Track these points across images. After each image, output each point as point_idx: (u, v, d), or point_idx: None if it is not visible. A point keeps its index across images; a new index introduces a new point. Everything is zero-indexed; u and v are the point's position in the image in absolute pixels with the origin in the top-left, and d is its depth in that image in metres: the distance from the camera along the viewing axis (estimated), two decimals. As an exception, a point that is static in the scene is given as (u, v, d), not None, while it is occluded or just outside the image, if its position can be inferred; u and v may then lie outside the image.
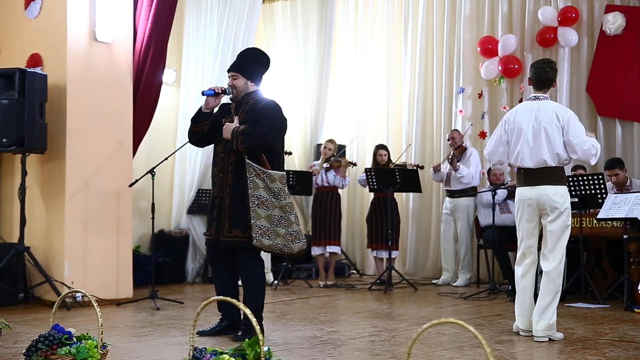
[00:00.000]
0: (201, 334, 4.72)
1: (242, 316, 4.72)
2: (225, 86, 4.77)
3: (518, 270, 4.79)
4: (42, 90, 6.24)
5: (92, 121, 6.55)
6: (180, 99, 9.05)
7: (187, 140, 4.98)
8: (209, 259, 4.85)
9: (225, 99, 4.88)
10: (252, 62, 4.80)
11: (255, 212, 4.43)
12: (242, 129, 4.52)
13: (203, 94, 4.70)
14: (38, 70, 6.39)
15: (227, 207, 4.56)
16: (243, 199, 4.50)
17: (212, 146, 4.93)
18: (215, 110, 4.84)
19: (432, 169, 8.56)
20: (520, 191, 4.74)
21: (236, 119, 4.64)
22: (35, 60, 6.58)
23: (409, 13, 9.76)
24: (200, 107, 4.77)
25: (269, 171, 4.50)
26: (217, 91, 4.67)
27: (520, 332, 4.73)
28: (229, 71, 4.81)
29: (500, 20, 8.93)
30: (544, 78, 4.74)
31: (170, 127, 8.94)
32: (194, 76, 8.93)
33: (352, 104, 10.30)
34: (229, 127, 4.57)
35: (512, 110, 4.92)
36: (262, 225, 4.43)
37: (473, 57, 9.10)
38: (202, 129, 4.76)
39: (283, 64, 10.21)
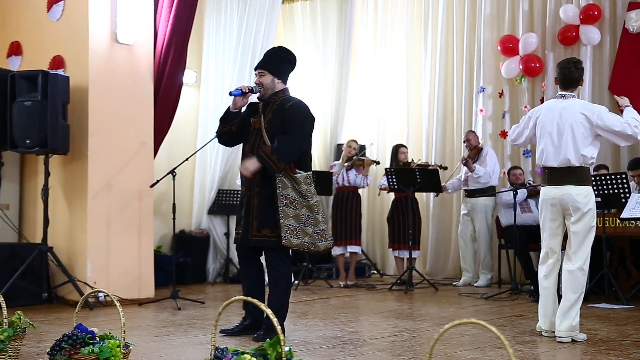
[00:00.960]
0: (224, 332, 4.73)
1: (264, 315, 4.72)
2: (252, 85, 4.74)
3: (541, 271, 4.75)
4: (64, 92, 6.30)
5: (114, 122, 6.60)
6: (200, 100, 9.09)
7: (216, 140, 4.95)
8: (238, 257, 4.88)
9: (253, 98, 4.85)
10: (279, 60, 4.80)
11: (284, 211, 4.46)
12: (269, 150, 4.48)
13: (230, 94, 4.69)
14: (60, 72, 6.45)
15: (256, 206, 4.57)
16: (272, 198, 4.51)
17: (231, 148, 4.96)
18: (243, 109, 4.84)
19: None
20: (544, 190, 4.70)
21: (262, 118, 4.63)
22: (57, 62, 6.65)
23: (429, 12, 9.72)
24: (229, 107, 4.75)
25: (295, 176, 4.52)
26: (244, 90, 4.65)
27: (543, 333, 4.70)
28: (256, 69, 4.79)
29: (521, 18, 8.87)
30: (569, 78, 4.70)
31: (190, 128, 8.99)
32: (214, 77, 8.97)
33: (372, 104, 10.29)
34: (250, 163, 4.50)
35: (537, 108, 4.89)
36: (290, 225, 4.46)
37: (493, 56, 9.05)
38: (231, 128, 4.75)
39: (303, 65, 10.19)
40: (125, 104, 6.70)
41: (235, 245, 4.84)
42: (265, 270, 4.77)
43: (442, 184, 8.33)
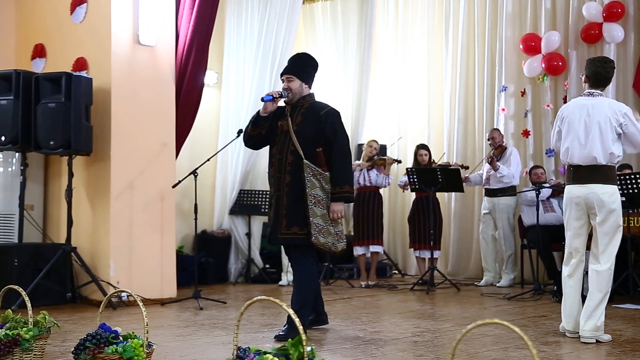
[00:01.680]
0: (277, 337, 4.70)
1: (323, 309, 4.97)
2: (281, 90, 4.90)
3: (565, 270, 4.70)
4: (87, 94, 6.36)
5: (136, 123, 6.65)
6: (221, 101, 9.13)
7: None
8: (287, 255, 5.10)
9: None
10: (305, 65, 4.95)
11: (312, 210, 4.62)
12: (340, 187, 4.68)
13: (262, 100, 4.82)
14: (83, 74, 6.51)
15: (285, 205, 4.71)
16: (301, 197, 4.66)
17: (259, 149, 5.11)
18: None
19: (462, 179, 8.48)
20: (568, 189, 4.64)
21: (290, 121, 4.77)
22: (80, 64, 6.71)
23: (450, 11, 9.67)
24: (258, 111, 4.87)
25: (326, 173, 4.69)
26: (274, 96, 4.80)
27: (567, 334, 4.65)
28: (282, 74, 4.94)
29: (543, 16, 8.79)
30: (604, 77, 4.67)
31: (212, 129, 9.03)
32: (235, 78, 9.00)
33: (393, 103, 10.25)
34: (337, 208, 4.71)
35: (565, 105, 4.85)
36: (318, 223, 4.62)
37: (515, 54, 8.98)
38: (261, 132, 4.90)
39: (323, 65, 10.19)
40: (147, 105, 6.75)
41: (267, 242, 5.04)
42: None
43: (465, 175, 8.32)
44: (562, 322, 4.72)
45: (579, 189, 4.56)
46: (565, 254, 4.73)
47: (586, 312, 4.48)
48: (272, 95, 4.77)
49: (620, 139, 4.58)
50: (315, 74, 5.03)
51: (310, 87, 4.95)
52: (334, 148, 4.74)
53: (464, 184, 8.36)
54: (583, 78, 4.81)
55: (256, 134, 4.90)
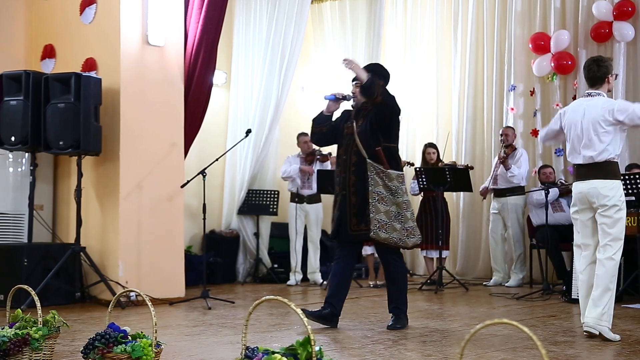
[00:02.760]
0: (306, 312, 4.95)
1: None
2: (347, 93, 5.12)
3: (578, 266, 4.81)
4: (96, 94, 6.37)
5: (145, 123, 6.67)
6: (230, 101, 9.14)
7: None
8: (337, 250, 5.24)
9: (346, 105, 5.25)
10: (376, 73, 5.12)
11: (375, 207, 4.86)
12: (369, 79, 4.88)
13: (326, 98, 5.07)
14: (93, 74, 6.53)
15: (353, 204, 4.96)
16: (366, 196, 4.90)
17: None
18: (337, 114, 5.27)
19: (480, 194, 8.45)
20: (573, 186, 4.82)
21: (354, 124, 5.01)
22: (90, 64, 6.73)
23: (459, 10, 9.65)
24: (322, 110, 5.18)
25: (388, 170, 4.94)
26: (338, 96, 5.06)
27: (583, 327, 4.68)
28: (354, 80, 5.16)
29: (552, 15, 8.75)
30: (597, 76, 4.79)
31: (220, 129, 9.04)
32: (243, 78, 9.01)
33: (401, 103, 10.17)
34: (359, 70, 4.96)
35: (567, 107, 5.00)
36: (380, 219, 4.85)
37: (525, 53, 8.95)
38: (322, 129, 5.19)
39: (332, 65, 10.21)
40: (156, 105, 6.76)
41: (332, 238, 5.25)
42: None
43: (485, 187, 8.35)
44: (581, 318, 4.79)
45: (582, 185, 4.71)
46: (575, 249, 4.84)
47: (592, 301, 4.55)
48: (334, 95, 5.05)
49: (617, 136, 4.66)
50: (386, 85, 5.19)
51: None
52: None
53: (484, 199, 8.37)
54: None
55: (317, 130, 5.21)
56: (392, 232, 4.86)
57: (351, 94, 5.09)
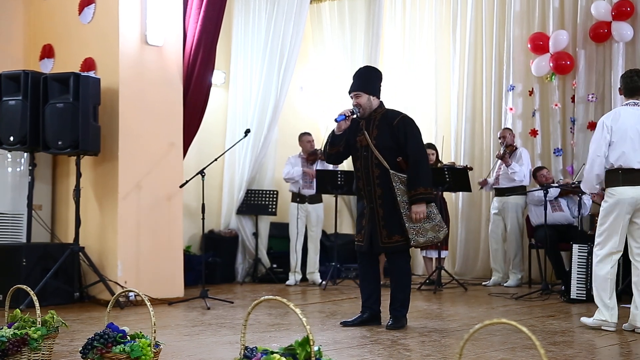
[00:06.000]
0: (344, 324, 5.17)
1: (392, 305, 5.20)
2: (352, 107, 5.14)
3: (604, 269, 4.94)
4: (95, 94, 6.37)
5: (144, 123, 6.67)
6: (229, 100, 9.14)
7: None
8: (359, 262, 5.38)
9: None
10: (369, 78, 5.22)
11: (407, 215, 4.98)
12: (415, 190, 4.95)
13: (336, 120, 5.10)
14: (91, 74, 6.53)
15: (382, 216, 5.04)
16: (394, 207, 4.99)
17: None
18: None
19: (478, 184, 8.46)
20: (620, 190, 4.92)
21: (368, 135, 5.06)
22: (88, 64, 6.73)
23: (458, 10, 9.65)
24: (333, 130, 5.22)
25: None
26: (347, 115, 5.08)
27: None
28: (350, 92, 5.20)
29: (551, 15, 8.76)
30: (631, 87, 5.08)
31: (219, 129, 9.04)
32: (242, 77, 9.01)
33: (400, 103, 10.20)
34: (419, 209, 4.97)
35: (610, 116, 5.12)
36: (414, 226, 4.99)
37: (523, 53, 8.95)
38: (339, 150, 5.24)
39: (331, 65, 10.22)
40: (154, 105, 6.76)
41: (357, 251, 5.27)
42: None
43: (484, 179, 8.36)
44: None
45: (633, 190, 4.88)
46: (602, 252, 4.96)
47: (636, 303, 4.86)
48: (344, 115, 5.06)
49: None
50: (381, 84, 5.27)
51: (378, 98, 5.21)
52: (407, 153, 5.01)
53: (482, 188, 8.37)
54: (618, 91, 5.40)
55: (334, 152, 5.24)
56: (426, 233, 5.01)
57: (356, 109, 5.13)
